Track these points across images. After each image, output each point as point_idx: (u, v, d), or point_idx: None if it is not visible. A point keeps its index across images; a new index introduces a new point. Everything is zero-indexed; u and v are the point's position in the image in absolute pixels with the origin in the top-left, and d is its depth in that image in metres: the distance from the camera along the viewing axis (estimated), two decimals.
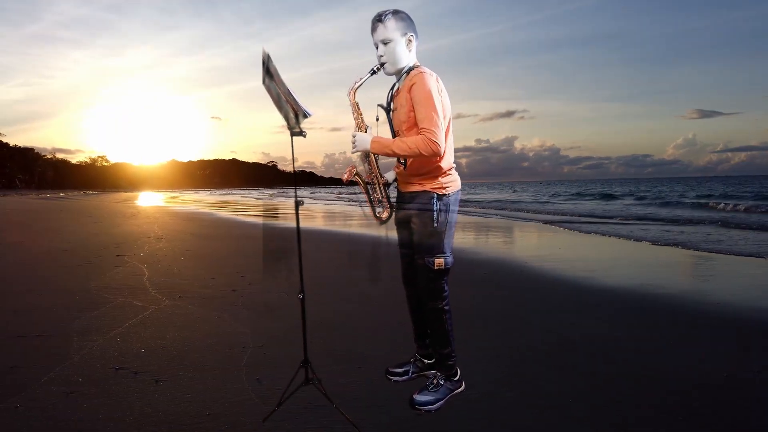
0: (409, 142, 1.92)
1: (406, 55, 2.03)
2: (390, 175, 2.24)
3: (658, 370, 2.45)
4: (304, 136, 2.04)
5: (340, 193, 42.54)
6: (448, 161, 2.07)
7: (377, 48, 2.03)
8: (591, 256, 6.64)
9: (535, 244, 8.27)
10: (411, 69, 2.03)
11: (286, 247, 7.44)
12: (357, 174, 2.17)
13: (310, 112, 1.98)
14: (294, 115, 1.98)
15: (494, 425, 1.91)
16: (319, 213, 17.00)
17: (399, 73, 2.07)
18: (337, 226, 11.52)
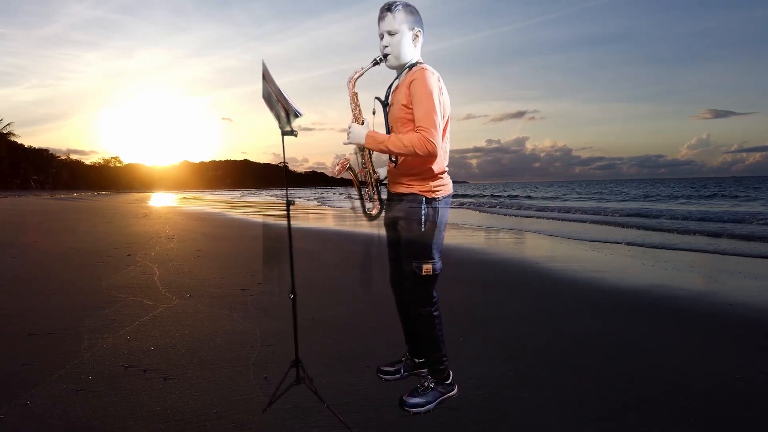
0: (405, 140, 1.84)
1: (411, 49, 1.97)
2: (383, 172, 2.15)
3: (669, 372, 2.41)
4: (295, 136, 2.01)
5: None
6: (440, 164, 1.99)
7: (382, 38, 1.97)
8: None
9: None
10: (413, 65, 1.96)
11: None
12: (350, 168, 2.10)
13: (300, 112, 1.96)
14: (285, 114, 1.97)
15: (503, 426, 1.89)
16: (325, 213, 17.04)
17: (401, 68, 2.00)
18: (347, 227, 11.53)
